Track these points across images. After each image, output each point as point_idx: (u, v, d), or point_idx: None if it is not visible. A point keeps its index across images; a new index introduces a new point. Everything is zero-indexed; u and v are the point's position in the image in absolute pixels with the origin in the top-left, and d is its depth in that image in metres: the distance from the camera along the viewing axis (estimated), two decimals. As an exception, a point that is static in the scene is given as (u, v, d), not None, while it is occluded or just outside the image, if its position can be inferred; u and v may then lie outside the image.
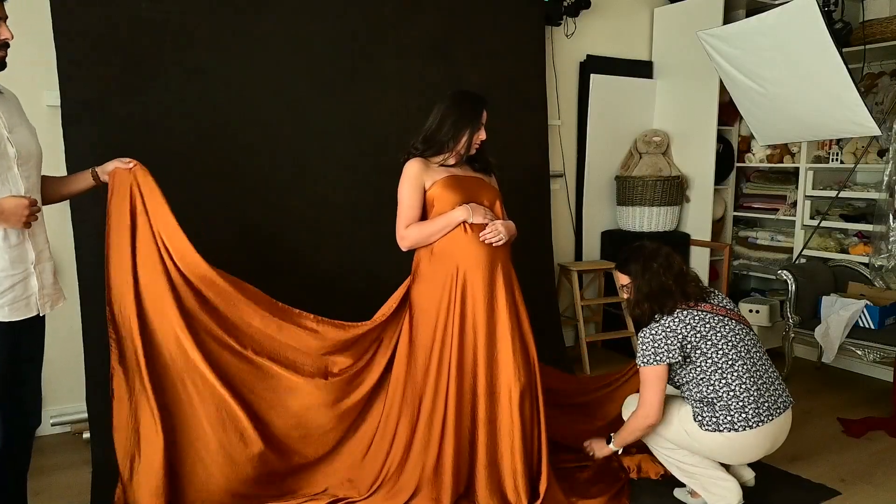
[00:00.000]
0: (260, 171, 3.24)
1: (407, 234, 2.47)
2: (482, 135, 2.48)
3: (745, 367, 2.32)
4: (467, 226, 2.42)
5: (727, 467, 2.47)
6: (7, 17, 2.03)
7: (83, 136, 2.93)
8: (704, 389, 2.33)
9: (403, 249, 2.52)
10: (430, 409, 2.43)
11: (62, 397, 3.19)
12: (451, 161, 2.50)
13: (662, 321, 2.35)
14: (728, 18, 4.15)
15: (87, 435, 2.97)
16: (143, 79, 3.02)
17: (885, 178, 3.89)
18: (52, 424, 3.14)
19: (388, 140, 3.44)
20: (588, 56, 4.42)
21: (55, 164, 3.05)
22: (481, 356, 2.41)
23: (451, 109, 2.47)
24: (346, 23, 3.43)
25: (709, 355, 2.33)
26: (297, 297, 3.28)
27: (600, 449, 2.61)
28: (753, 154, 4.62)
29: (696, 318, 2.35)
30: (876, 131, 3.04)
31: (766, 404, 2.31)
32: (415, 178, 2.46)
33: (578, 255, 4.53)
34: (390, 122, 3.49)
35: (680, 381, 2.42)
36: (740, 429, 2.27)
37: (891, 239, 3.84)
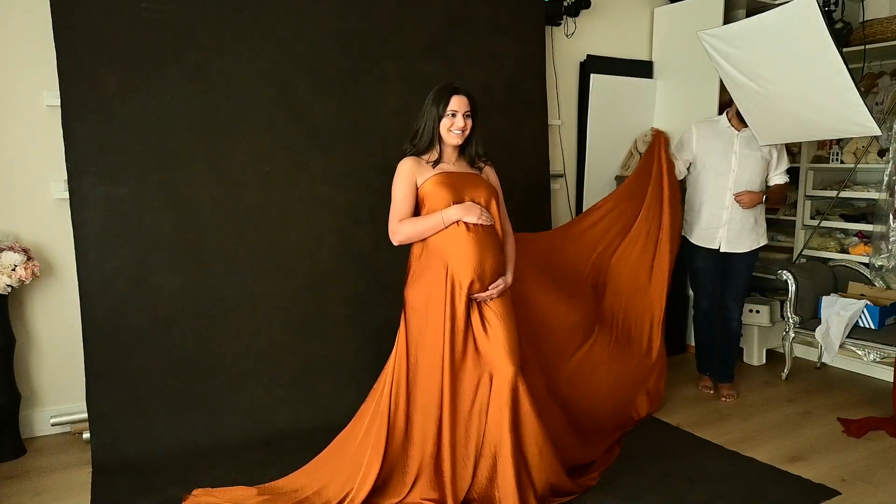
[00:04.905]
0: (260, 171, 3.24)
1: (399, 228, 2.49)
2: (458, 122, 2.46)
3: None
4: (461, 224, 2.43)
5: None
6: None
7: (83, 135, 2.93)
8: None
9: (395, 244, 2.54)
10: (425, 404, 2.45)
11: (62, 397, 3.20)
12: (443, 157, 2.51)
13: None
14: (728, 18, 4.15)
15: (87, 435, 2.97)
16: (143, 79, 3.02)
17: (885, 178, 3.89)
18: (52, 424, 3.15)
19: (389, 140, 3.44)
20: (588, 56, 4.42)
21: (55, 164, 3.07)
22: (471, 352, 2.44)
23: (425, 105, 2.51)
24: (346, 23, 3.43)
25: None
26: (298, 297, 3.30)
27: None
28: (753, 154, 4.62)
29: None
30: (876, 131, 3.04)
31: None
32: (407, 174, 2.49)
33: (578, 255, 4.53)
34: (390, 122, 3.49)
35: None
36: None
37: (891, 239, 3.84)
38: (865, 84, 4.25)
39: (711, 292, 3.71)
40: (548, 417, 2.60)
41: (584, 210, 4.44)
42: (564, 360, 3.13)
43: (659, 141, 3.49)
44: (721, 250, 3.57)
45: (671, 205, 3.44)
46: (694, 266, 3.71)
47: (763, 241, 3.63)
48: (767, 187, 3.59)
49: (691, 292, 4.47)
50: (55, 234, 3.13)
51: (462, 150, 2.56)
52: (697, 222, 3.62)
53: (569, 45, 4.33)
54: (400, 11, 3.56)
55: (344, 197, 3.41)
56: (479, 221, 2.44)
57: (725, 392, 3.71)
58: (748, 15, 4.08)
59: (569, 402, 2.99)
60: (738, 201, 3.47)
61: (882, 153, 3.99)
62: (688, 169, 3.66)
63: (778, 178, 3.58)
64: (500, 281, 2.49)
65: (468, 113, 2.48)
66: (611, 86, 4.40)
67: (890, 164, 3.89)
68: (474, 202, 2.47)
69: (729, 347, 3.74)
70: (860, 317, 3.69)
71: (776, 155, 3.55)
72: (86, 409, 2.95)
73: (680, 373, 4.08)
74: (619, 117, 4.46)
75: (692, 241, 3.64)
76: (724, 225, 3.54)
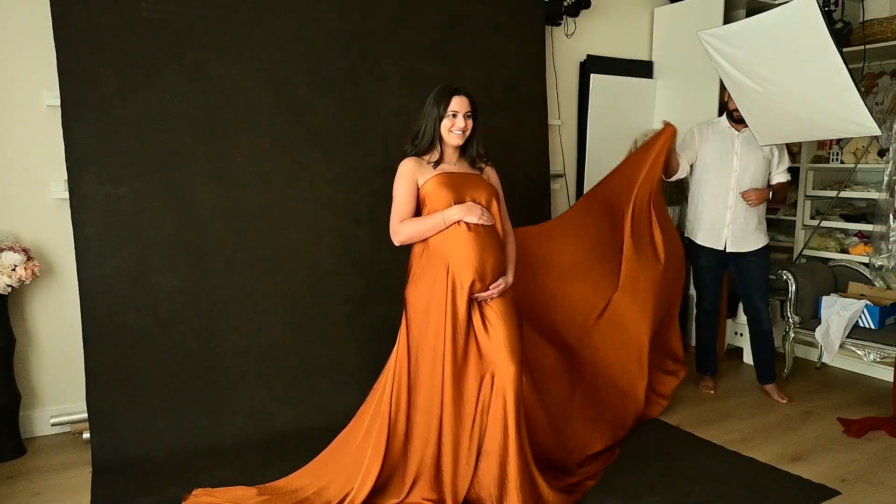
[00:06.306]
0: (260, 171, 3.24)
1: (401, 228, 2.49)
2: (459, 122, 2.46)
3: None
4: (462, 224, 2.43)
5: None
6: None
7: (83, 135, 2.93)
8: None
9: (396, 244, 2.53)
10: (426, 405, 2.45)
11: (62, 397, 3.20)
12: (444, 158, 2.51)
13: None
14: (728, 18, 4.15)
15: (87, 435, 2.97)
16: (143, 79, 3.02)
17: (885, 178, 3.89)
18: (52, 424, 3.15)
19: (389, 140, 3.44)
20: (588, 56, 4.42)
21: (55, 164, 3.07)
22: (472, 352, 2.44)
23: (425, 106, 2.51)
24: (346, 23, 3.43)
25: None
26: (298, 297, 3.30)
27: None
28: (753, 154, 4.62)
29: None
30: (876, 131, 3.04)
31: None
32: (408, 175, 2.48)
33: (578, 255, 4.53)
34: (390, 122, 3.49)
35: None
36: None
37: (891, 239, 3.84)
38: (865, 84, 4.25)
39: (714, 292, 3.73)
40: (555, 409, 2.62)
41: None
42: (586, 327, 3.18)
43: (667, 135, 3.42)
44: (728, 250, 3.58)
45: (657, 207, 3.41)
46: (698, 265, 3.72)
47: (767, 239, 3.64)
48: (769, 186, 3.61)
49: (692, 292, 4.48)
50: (55, 234, 3.13)
51: (463, 150, 2.56)
52: (702, 223, 3.63)
53: (569, 45, 4.34)
54: (400, 11, 3.56)
55: (344, 197, 3.41)
56: (480, 221, 2.44)
57: (776, 395, 3.69)
58: (748, 15, 4.07)
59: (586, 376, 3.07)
60: (745, 199, 3.48)
61: (882, 153, 3.99)
62: (690, 167, 3.67)
63: (780, 176, 3.61)
64: (500, 280, 2.49)
65: (469, 113, 2.48)
66: (611, 86, 4.40)
67: (890, 164, 3.89)
68: (475, 202, 2.47)
69: (765, 348, 3.72)
70: (860, 317, 3.69)
71: (777, 154, 3.58)
72: (86, 409, 2.95)
73: (680, 373, 4.08)
74: (619, 117, 4.47)
75: (697, 241, 3.65)
76: (728, 225, 3.55)
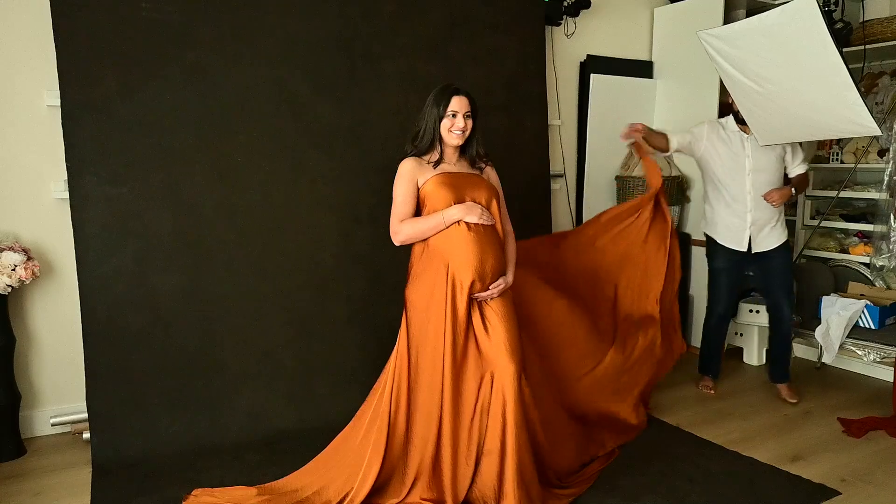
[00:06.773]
0: (260, 171, 3.24)
1: (401, 228, 2.49)
2: (459, 122, 2.46)
3: None
4: (462, 224, 2.43)
5: None
6: None
7: (83, 135, 2.93)
8: None
9: (396, 244, 2.54)
10: (426, 405, 2.46)
11: (62, 397, 3.20)
12: (444, 158, 2.52)
13: None
14: (728, 18, 4.15)
15: (87, 435, 2.97)
16: (143, 79, 3.02)
17: (886, 178, 3.89)
18: (52, 424, 3.15)
19: (388, 140, 3.44)
20: (588, 56, 4.42)
21: (55, 164, 3.07)
22: (472, 352, 2.44)
23: (425, 106, 2.51)
24: (346, 23, 3.43)
25: None
26: (298, 297, 3.30)
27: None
28: (753, 154, 4.62)
29: None
30: (876, 131, 3.04)
31: None
32: (408, 175, 2.49)
33: (578, 255, 4.52)
34: (390, 122, 3.49)
35: None
36: None
37: (891, 239, 3.85)
38: (865, 84, 4.26)
39: (729, 297, 3.66)
40: (550, 414, 2.61)
41: (583, 210, 4.45)
42: (576, 376, 3.07)
43: (656, 193, 3.29)
44: (753, 251, 3.52)
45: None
46: (716, 267, 3.63)
47: (786, 235, 3.58)
48: (788, 181, 3.55)
49: (692, 293, 4.48)
50: (55, 234, 3.13)
51: (463, 150, 2.57)
52: (721, 226, 3.56)
53: (569, 45, 4.34)
54: (400, 11, 3.56)
55: (344, 197, 3.41)
56: (480, 221, 2.44)
57: (786, 393, 3.65)
58: (748, 15, 4.08)
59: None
60: (769, 201, 3.42)
61: (882, 153, 4.00)
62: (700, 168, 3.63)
63: (798, 168, 3.56)
64: (500, 280, 2.50)
65: (468, 113, 2.48)
66: (611, 86, 4.40)
67: (890, 164, 3.89)
68: (475, 202, 2.47)
69: (783, 348, 3.68)
70: (860, 317, 3.70)
71: (790, 149, 3.53)
72: (86, 409, 2.96)
73: (680, 373, 4.07)
74: (619, 117, 4.45)
75: (718, 241, 3.58)
76: (749, 227, 3.50)
